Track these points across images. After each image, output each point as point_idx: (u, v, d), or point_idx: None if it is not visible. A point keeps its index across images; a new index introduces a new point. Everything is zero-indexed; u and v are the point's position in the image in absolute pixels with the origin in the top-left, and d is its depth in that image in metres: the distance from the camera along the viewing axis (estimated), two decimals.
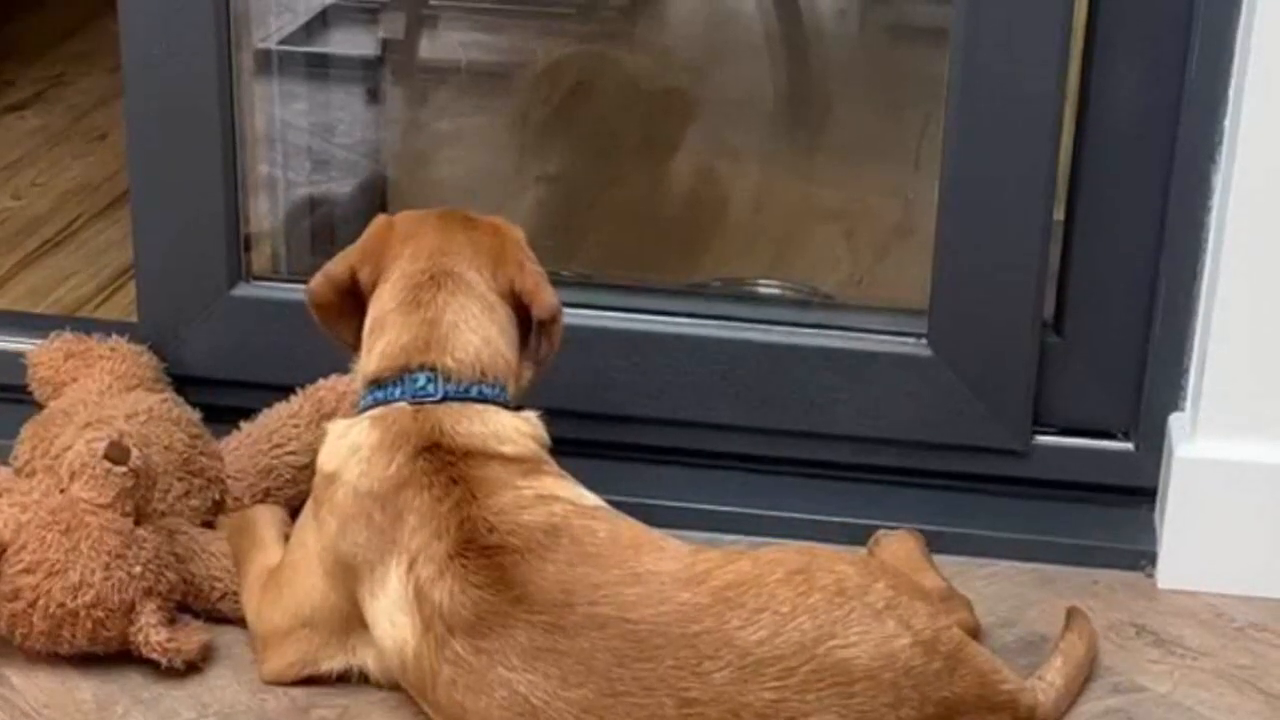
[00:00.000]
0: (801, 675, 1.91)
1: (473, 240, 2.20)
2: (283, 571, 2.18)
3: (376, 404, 2.13)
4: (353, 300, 2.22)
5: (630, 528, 2.07)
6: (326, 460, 2.14)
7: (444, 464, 2.07)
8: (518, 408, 2.17)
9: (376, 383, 2.15)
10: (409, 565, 2.02)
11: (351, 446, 2.11)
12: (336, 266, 2.23)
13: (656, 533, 2.08)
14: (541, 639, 1.95)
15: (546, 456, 2.14)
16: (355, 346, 2.22)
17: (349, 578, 2.08)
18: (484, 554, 2.00)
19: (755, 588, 1.95)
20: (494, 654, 1.96)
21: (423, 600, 2.01)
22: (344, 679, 2.16)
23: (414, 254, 2.18)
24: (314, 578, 2.13)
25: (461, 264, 2.17)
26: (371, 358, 2.16)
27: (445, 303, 2.15)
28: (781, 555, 2.00)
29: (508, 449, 2.10)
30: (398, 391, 2.12)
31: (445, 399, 2.11)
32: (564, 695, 1.93)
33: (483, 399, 2.13)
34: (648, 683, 1.92)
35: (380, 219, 2.26)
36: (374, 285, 2.20)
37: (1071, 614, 2.23)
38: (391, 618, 2.04)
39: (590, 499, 2.11)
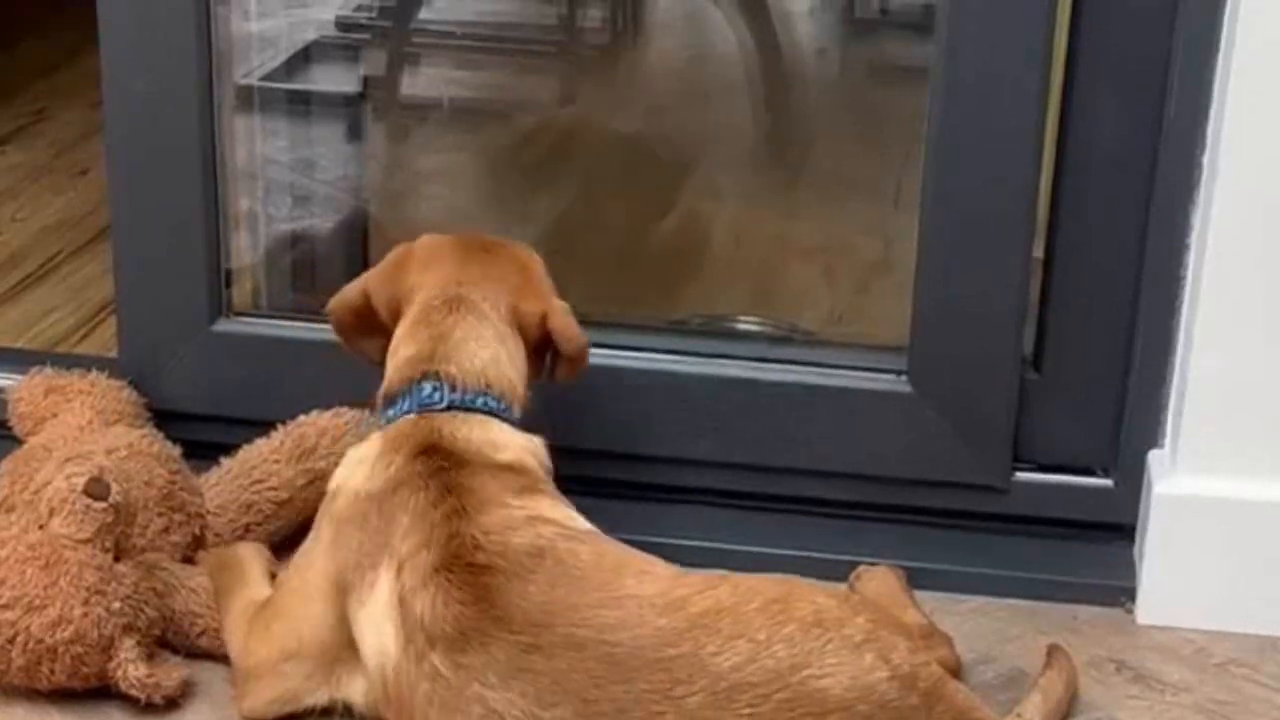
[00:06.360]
0: (774, 703, 1.90)
1: (489, 274, 2.23)
2: (277, 601, 2.18)
3: (389, 422, 2.16)
4: (374, 320, 2.25)
5: (616, 551, 2.07)
6: (334, 480, 2.17)
7: (439, 468, 2.08)
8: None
9: (388, 399, 2.17)
10: (397, 570, 2.03)
11: (358, 459, 2.15)
12: (351, 290, 2.27)
13: (644, 556, 2.08)
14: (519, 658, 1.95)
15: (544, 476, 2.16)
16: (383, 365, 2.24)
17: (342, 593, 2.09)
18: (468, 571, 2.00)
19: (732, 615, 1.95)
20: (472, 670, 1.96)
21: (405, 610, 2.01)
22: (327, 713, 2.16)
23: (431, 284, 2.21)
24: (310, 603, 2.13)
25: (476, 295, 2.21)
26: (387, 379, 2.19)
27: (456, 322, 2.18)
28: (761, 584, 2.00)
29: (502, 456, 2.12)
30: (406, 404, 2.15)
31: (450, 407, 2.13)
32: (540, 714, 1.93)
33: (487, 410, 2.15)
34: (622, 705, 1.91)
35: (401, 246, 2.29)
36: (392, 312, 2.23)
37: (1051, 650, 2.23)
38: (378, 626, 2.04)
39: (581, 522, 2.12)
